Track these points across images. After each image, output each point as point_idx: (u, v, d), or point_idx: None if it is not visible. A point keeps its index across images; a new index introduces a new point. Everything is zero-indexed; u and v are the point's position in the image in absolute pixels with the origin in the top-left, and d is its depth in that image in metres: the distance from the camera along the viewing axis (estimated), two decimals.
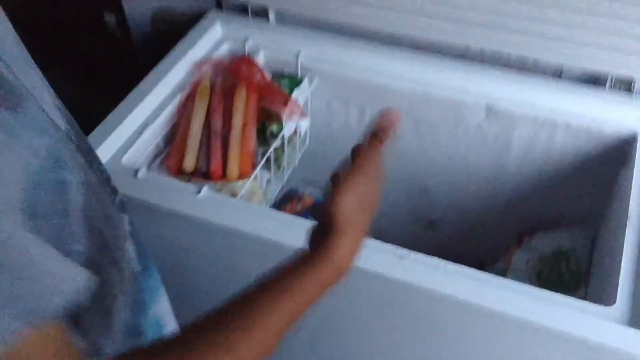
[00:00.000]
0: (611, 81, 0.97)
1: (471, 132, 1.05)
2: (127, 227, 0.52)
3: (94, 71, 1.40)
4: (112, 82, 1.39)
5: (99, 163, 0.52)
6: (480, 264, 1.09)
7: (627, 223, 0.80)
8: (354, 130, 1.16)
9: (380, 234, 1.28)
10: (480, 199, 1.15)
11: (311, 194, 1.27)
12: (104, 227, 0.45)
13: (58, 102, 0.49)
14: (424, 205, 1.23)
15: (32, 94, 0.41)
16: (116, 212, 0.51)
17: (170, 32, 1.28)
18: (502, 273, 1.09)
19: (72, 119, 0.50)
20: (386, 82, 1.06)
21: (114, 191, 0.53)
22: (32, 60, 0.49)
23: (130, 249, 0.51)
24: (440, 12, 0.98)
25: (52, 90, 0.49)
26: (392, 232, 1.25)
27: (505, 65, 1.03)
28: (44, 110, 0.41)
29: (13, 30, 0.49)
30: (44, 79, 0.49)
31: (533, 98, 0.98)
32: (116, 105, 0.96)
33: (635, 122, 0.93)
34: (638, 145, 0.91)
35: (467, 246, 1.20)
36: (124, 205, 0.53)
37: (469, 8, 0.95)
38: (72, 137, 0.47)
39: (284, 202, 1.21)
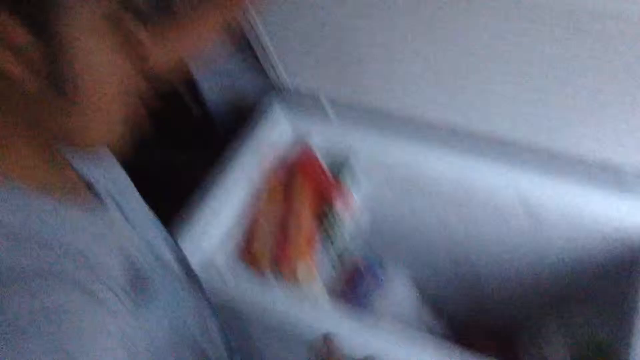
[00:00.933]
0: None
1: (511, 222, 1.15)
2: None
3: (175, 138, 1.59)
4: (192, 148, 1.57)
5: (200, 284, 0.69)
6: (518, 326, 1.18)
7: None
8: (403, 212, 1.28)
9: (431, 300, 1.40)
10: (521, 272, 1.25)
11: (360, 253, 1.39)
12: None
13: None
14: (472, 283, 1.34)
15: (156, 273, 0.57)
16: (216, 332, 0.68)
17: (239, 108, 1.44)
18: (536, 337, 1.20)
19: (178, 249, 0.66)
20: (431, 174, 1.16)
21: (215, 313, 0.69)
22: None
23: None
24: (475, 104, 1.06)
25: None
26: (438, 292, 1.37)
27: (541, 165, 1.10)
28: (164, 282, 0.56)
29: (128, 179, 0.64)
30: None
31: (569, 199, 1.07)
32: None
33: None
34: None
35: (508, 309, 1.30)
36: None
37: (507, 102, 1.03)
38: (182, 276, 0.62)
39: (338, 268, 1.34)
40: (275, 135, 1.24)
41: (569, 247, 1.11)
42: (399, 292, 1.41)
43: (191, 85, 1.46)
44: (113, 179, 0.62)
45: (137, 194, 0.66)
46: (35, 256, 0.43)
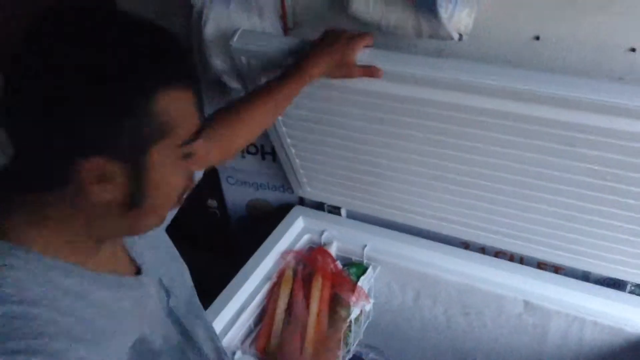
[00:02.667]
0: (631, 286, 1.13)
1: (512, 320, 1.23)
2: None
3: (198, 243, 1.69)
4: (213, 252, 1.68)
5: None
6: None
7: None
8: (410, 308, 1.36)
9: None
10: None
11: (373, 358, 1.45)
12: None
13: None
14: None
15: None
16: None
17: (261, 217, 1.57)
18: None
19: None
20: (437, 273, 1.26)
21: None
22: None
23: None
24: (486, 224, 1.19)
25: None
26: None
27: (540, 266, 1.22)
28: None
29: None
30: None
31: (564, 296, 1.15)
32: (216, 271, 1.20)
33: None
34: None
35: None
36: None
37: (509, 224, 1.15)
38: None
39: None
40: (295, 241, 1.36)
41: (567, 342, 1.17)
42: None
43: (217, 193, 1.61)
44: (168, 266, 0.73)
45: (188, 280, 0.77)
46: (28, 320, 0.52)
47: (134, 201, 0.56)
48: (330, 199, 1.39)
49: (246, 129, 0.96)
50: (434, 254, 1.27)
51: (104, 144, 0.52)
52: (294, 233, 1.38)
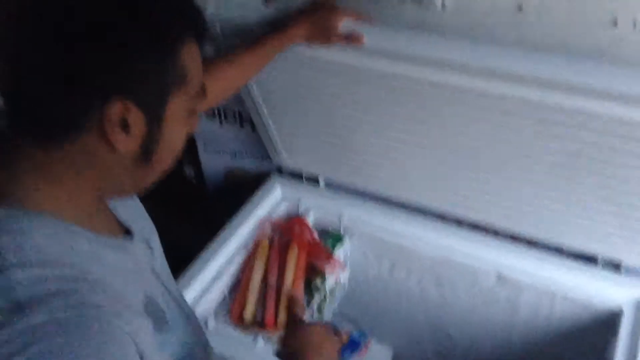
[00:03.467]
0: (602, 260, 1.15)
1: (485, 292, 1.24)
2: None
3: (173, 210, 1.68)
4: (189, 221, 1.66)
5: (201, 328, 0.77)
6: None
7: None
8: (386, 278, 1.37)
9: None
10: (496, 347, 1.32)
11: (347, 329, 1.46)
12: None
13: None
14: (447, 349, 1.40)
15: (170, 309, 0.65)
16: None
17: (238, 186, 1.55)
18: None
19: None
20: (413, 244, 1.27)
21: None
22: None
23: None
24: (462, 195, 1.19)
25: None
26: None
27: (514, 238, 1.22)
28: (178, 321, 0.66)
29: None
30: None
31: (537, 270, 1.17)
32: (191, 241, 1.19)
33: (621, 298, 1.10)
34: (623, 318, 1.08)
35: None
36: None
37: (486, 195, 1.16)
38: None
39: None
40: (273, 210, 1.35)
41: (537, 315, 1.19)
42: None
43: (194, 161, 1.58)
44: (146, 227, 0.72)
45: (158, 241, 0.76)
46: (62, 280, 0.51)
47: (147, 154, 0.57)
48: (308, 167, 1.38)
49: (219, 87, 0.96)
50: (409, 226, 1.28)
51: (130, 86, 0.53)
52: (271, 202, 1.37)
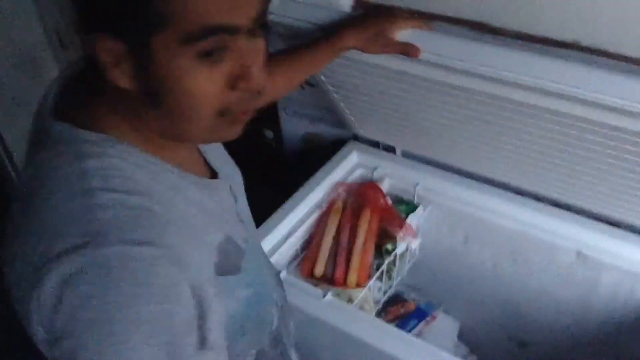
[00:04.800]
0: None
1: (562, 270, 1.20)
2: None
3: (252, 172, 1.73)
4: (266, 183, 1.71)
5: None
6: None
7: None
8: (458, 250, 1.35)
9: (477, 348, 1.45)
10: (570, 328, 1.28)
11: (415, 298, 1.46)
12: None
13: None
14: (517, 326, 1.37)
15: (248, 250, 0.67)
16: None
17: (315, 151, 1.58)
18: None
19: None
20: (489, 216, 1.24)
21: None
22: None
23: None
24: (543, 171, 1.15)
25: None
26: (487, 348, 1.41)
27: (595, 217, 1.17)
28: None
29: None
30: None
31: (619, 250, 1.12)
32: (268, 202, 1.22)
33: None
34: None
35: None
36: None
37: (568, 174, 1.11)
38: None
39: (391, 304, 1.41)
40: (348, 174, 1.36)
41: (616, 297, 1.14)
42: (441, 339, 1.44)
43: (274, 124, 1.62)
44: (232, 174, 0.75)
45: (243, 190, 0.78)
46: (141, 210, 0.53)
47: (152, 95, 0.54)
48: (385, 139, 1.38)
49: (276, 84, 0.95)
50: (486, 197, 1.25)
51: (110, 20, 0.51)
52: (346, 167, 1.38)
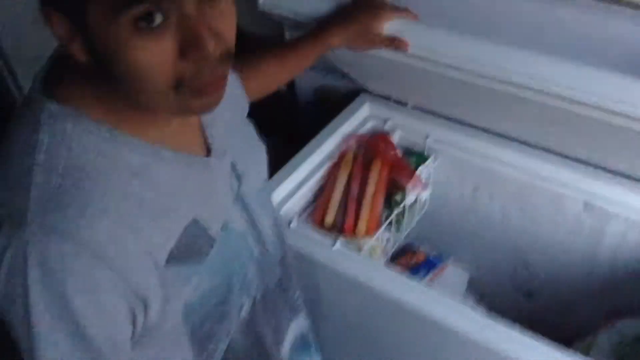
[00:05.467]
0: None
1: (569, 220, 1.21)
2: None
3: (264, 124, 1.75)
4: (279, 134, 1.73)
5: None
6: (570, 337, 1.23)
7: None
8: (468, 201, 1.37)
9: (484, 298, 1.48)
10: (575, 278, 1.30)
11: (424, 250, 1.49)
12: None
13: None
14: (524, 277, 1.39)
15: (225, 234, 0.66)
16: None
17: (328, 103, 1.58)
18: (588, 349, 1.23)
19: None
20: (498, 167, 1.25)
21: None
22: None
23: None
24: (554, 128, 1.15)
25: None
26: (494, 297, 1.44)
27: (604, 168, 1.17)
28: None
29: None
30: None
31: (626, 200, 1.13)
32: (280, 152, 1.24)
33: None
34: None
35: (560, 319, 1.34)
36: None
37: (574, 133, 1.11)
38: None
39: (401, 255, 1.44)
40: (359, 126, 1.37)
41: (623, 247, 1.15)
42: (450, 290, 1.47)
43: None
44: (242, 151, 0.72)
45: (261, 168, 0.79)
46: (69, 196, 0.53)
47: (104, 68, 0.52)
48: (396, 93, 1.38)
49: (262, 82, 0.96)
50: (496, 149, 1.25)
51: None
52: (358, 118, 1.39)
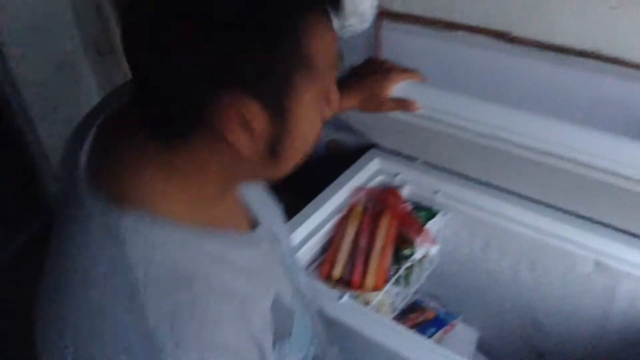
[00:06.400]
0: None
1: (580, 279, 1.20)
2: None
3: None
4: (290, 187, 1.74)
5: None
6: None
7: None
8: (477, 258, 1.36)
9: (494, 358, 1.44)
10: (587, 339, 1.27)
11: (434, 307, 1.47)
12: None
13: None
14: (535, 337, 1.36)
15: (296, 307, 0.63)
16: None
17: (338, 157, 1.61)
18: None
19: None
20: (508, 225, 1.25)
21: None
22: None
23: None
24: (564, 188, 1.15)
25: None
26: (505, 358, 1.40)
27: (615, 227, 1.17)
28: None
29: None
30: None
31: (637, 260, 1.11)
32: (292, 206, 1.25)
33: None
34: None
35: None
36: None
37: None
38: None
39: (409, 312, 1.42)
40: (369, 180, 1.39)
41: (635, 307, 1.13)
42: (459, 349, 1.44)
43: None
44: (274, 217, 0.71)
45: (286, 229, 0.76)
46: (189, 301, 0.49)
47: (275, 151, 0.51)
48: (406, 150, 1.40)
49: None
50: (506, 205, 1.25)
51: (242, 77, 0.46)
52: (368, 173, 1.40)
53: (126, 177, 0.51)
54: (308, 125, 0.51)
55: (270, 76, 0.47)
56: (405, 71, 0.97)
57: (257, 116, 0.48)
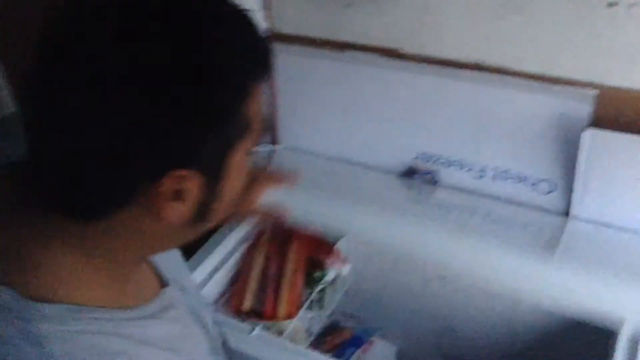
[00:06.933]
0: None
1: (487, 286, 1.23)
2: None
3: None
4: None
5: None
6: None
7: None
8: (388, 273, 1.36)
9: None
10: (500, 341, 1.30)
11: (351, 326, 1.46)
12: None
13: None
14: (450, 345, 1.38)
15: None
16: None
17: None
18: None
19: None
20: (411, 244, 1.25)
21: None
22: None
23: None
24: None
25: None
26: None
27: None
28: None
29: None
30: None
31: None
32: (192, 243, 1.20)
33: None
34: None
35: None
36: None
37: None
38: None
39: (327, 334, 1.40)
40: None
41: (539, 308, 1.17)
42: None
43: None
44: (177, 266, 0.68)
45: (192, 281, 0.74)
46: None
47: (203, 213, 0.49)
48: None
49: None
50: (410, 230, 1.25)
51: (191, 156, 0.44)
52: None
53: (36, 258, 0.46)
54: (237, 184, 0.51)
55: (214, 148, 0.46)
56: (273, 178, 0.83)
57: (194, 186, 0.46)
